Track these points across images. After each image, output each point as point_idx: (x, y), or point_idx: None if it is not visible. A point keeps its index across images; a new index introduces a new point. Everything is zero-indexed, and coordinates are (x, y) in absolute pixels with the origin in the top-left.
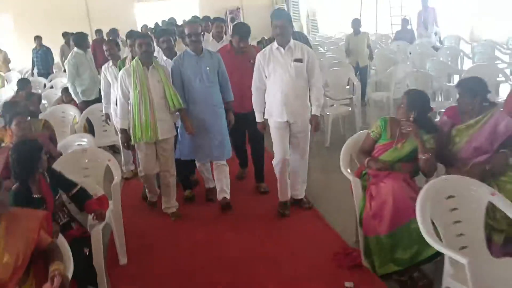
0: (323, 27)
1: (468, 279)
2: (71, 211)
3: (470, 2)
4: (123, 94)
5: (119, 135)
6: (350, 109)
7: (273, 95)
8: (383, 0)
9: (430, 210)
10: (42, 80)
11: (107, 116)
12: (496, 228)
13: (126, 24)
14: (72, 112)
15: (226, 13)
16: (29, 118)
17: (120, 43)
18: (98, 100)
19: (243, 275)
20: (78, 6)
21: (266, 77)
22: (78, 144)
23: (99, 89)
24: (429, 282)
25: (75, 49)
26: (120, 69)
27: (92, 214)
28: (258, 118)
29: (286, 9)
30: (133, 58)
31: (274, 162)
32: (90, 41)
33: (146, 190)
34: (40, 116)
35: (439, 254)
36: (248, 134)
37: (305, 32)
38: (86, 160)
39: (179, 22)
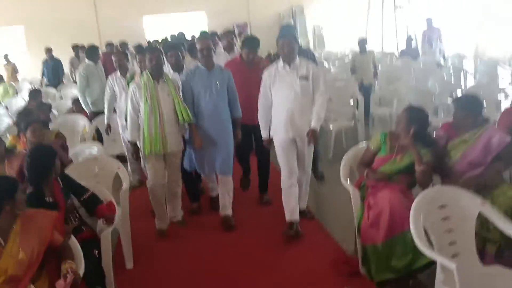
0: (329, 43)
1: (457, 284)
2: (82, 215)
3: (474, 19)
4: (133, 107)
5: (126, 146)
6: (353, 123)
7: (279, 112)
8: (389, 18)
9: (423, 219)
10: (52, 90)
11: (108, 126)
12: (490, 239)
13: (135, 36)
14: (81, 121)
15: (234, 27)
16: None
17: (129, 55)
18: None
19: (244, 281)
20: (88, 18)
21: (272, 95)
22: (89, 152)
23: None
24: None
25: (86, 61)
26: (128, 83)
27: (102, 218)
28: (264, 135)
29: (293, 23)
30: (142, 72)
31: (282, 184)
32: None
33: (155, 214)
34: (51, 125)
35: (433, 263)
36: (255, 146)
37: (311, 47)
38: (96, 168)
39: (187, 36)
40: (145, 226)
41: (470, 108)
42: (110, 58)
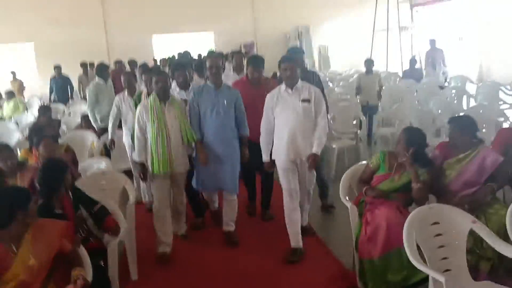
0: (334, 63)
1: None
2: (90, 226)
3: (478, 42)
4: (140, 129)
5: (132, 165)
6: (355, 142)
7: (281, 134)
8: (394, 40)
9: (416, 235)
10: (61, 107)
11: (112, 142)
12: (483, 256)
13: (144, 54)
14: (90, 137)
15: (241, 46)
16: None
17: (137, 74)
18: None
19: None
20: (98, 37)
21: (274, 117)
22: (97, 167)
23: None
24: None
25: (96, 78)
26: (135, 103)
27: (108, 230)
28: (265, 158)
29: (299, 44)
30: (148, 93)
31: (285, 206)
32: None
33: (158, 236)
34: (60, 140)
35: (427, 280)
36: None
37: (316, 67)
38: (104, 182)
39: (194, 55)
40: (150, 238)
41: (465, 128)
42: (119, 75)
